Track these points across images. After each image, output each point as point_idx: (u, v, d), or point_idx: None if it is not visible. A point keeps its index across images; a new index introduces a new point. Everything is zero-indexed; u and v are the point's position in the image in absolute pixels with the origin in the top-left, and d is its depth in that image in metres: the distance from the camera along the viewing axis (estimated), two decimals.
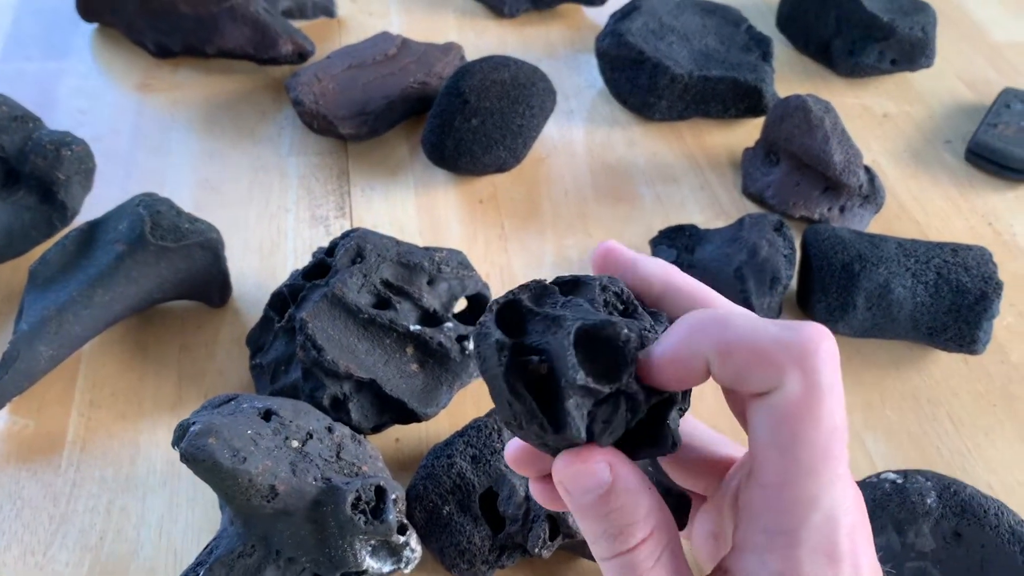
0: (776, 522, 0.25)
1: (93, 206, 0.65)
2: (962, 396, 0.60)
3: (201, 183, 0.73)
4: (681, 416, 0.29)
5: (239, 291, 0.65)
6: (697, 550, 0.33)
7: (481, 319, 0.28)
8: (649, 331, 0.28)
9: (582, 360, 0.26)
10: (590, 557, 0.50)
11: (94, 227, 0.60)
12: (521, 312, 0.29)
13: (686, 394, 0.28)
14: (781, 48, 0.88)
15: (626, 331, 0.27)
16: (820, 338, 0.25)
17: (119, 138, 0.77)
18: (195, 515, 0.53)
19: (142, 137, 0.77)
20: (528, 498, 0.48)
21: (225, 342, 0.62)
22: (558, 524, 0.47)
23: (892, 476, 0.45)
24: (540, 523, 0.47)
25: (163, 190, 0.72)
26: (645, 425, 0.28)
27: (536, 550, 0.47)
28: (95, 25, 0.88)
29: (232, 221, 0.70)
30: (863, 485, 0.46)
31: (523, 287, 0.29)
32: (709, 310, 0.27)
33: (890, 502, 0.44)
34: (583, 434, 0.26)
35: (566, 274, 0.30)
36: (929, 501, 0.43)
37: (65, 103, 0.80)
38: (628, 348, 0.27)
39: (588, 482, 0.27)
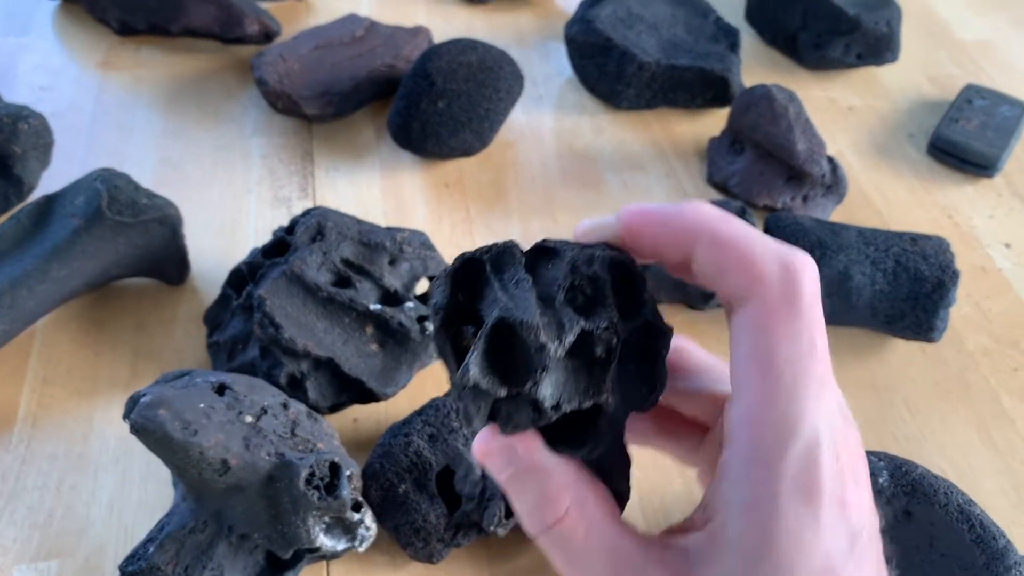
0: (754, 449, 0.24)
1: (52, 182, 0.64)
2: (918, 383, 0.61)
3: (163, 161, 0.72)
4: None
5: (198, 270, 0.64)
6: (703, 483, 0.31)
7: (442, 270, 0.28)
8: (608, 329, 0.27)
9: (494, 353, 0.26)
10: None
11: (51, 201, 0.59)
12: (479, 273, 0.28)
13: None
14: (749, 40, 0.89)
15: (542, 340, 0.25)
16: (807, 262, 0.25)
17: (80, 115, 0.76)
18: (148, 493, 0.52)
19: (103, 115, 0.76)
20: (484, 477, 0.48)
21: (183, 320, 0.61)
22: None
23: None
24: (496, 501, 0.47)
25: (124, 167, 0.70)
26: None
27: (491, 528, 0.46)
28: (57, 1, 0.86)
29: (194, 200, 0.69)
30: None
31: (490, 247, 0.28)
32: (712, 207, 0.26)
33: None
34: (477, 427, 0.26)
35: (553, 239, 0.29)
36: (881, 480, 0.44)
37: (25, 79, 0.78)
38: (543, 355, 0.26)
39: (495, 463, 0.27)
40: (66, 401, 0.56)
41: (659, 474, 0.54)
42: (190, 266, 0.63)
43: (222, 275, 0.61)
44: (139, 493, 0.52)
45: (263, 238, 0.67)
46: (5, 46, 0.81)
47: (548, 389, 0.26)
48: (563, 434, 0.27)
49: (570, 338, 0.26)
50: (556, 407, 0.26)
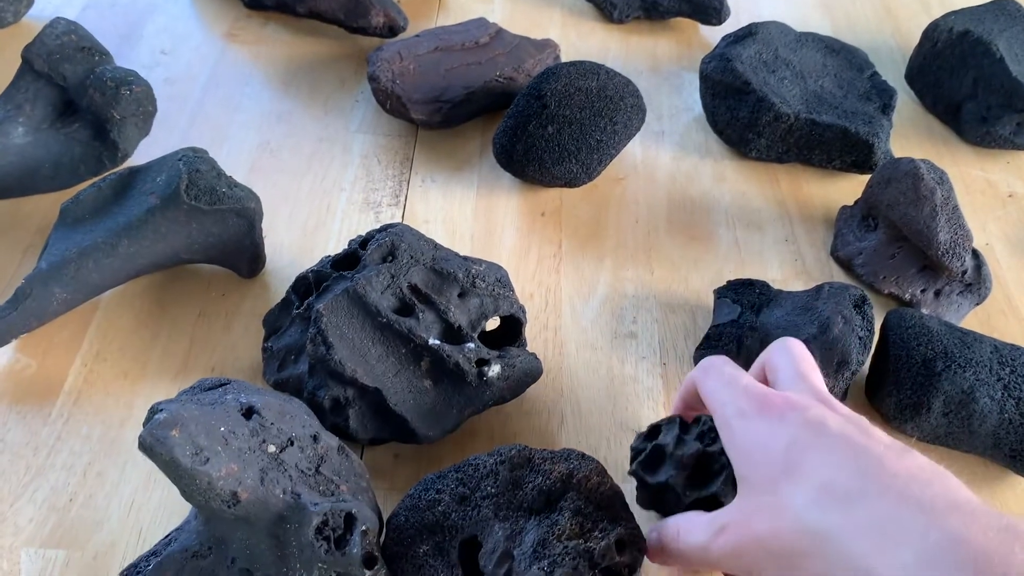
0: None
1: (150, 150, 0.63)
2: None
3: (262, 145, 0.70)
4: None
5: (273, 264, 0.62)
6: None
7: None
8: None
9: None
10: None
11: (134, 174, 0.57)
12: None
13: None
14: (905, 102, 0.80)
15: None
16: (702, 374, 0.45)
17: (193, 84, 0.75)
18: (171, 495, 0.50)
19: (215, 87, 0.75)
20: (511, 556, 0.43)
21: (245, 315, 0.59)
22: None
23: None
24: None
25: (223, 146, 0.69)
26: None
27: None
28: None
29: (283, 190, 0.67)
30: None
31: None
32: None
33: None
34: None
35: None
36: None
37: (149, 40, 0.78)
38: None
39: None
40: (112, 382, 0.54)
41: None
42: (264, 261, 0.61)
43: (295, 274, 0.59)
44: (161, 495, 0.50)
45: (344, 242, 0.64)
46: (137, 5, 0.81)
47: None
48: None
49: None
50: None
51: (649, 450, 0.48)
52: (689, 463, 0.46)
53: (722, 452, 0.45)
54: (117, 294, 0.59)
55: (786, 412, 0.39)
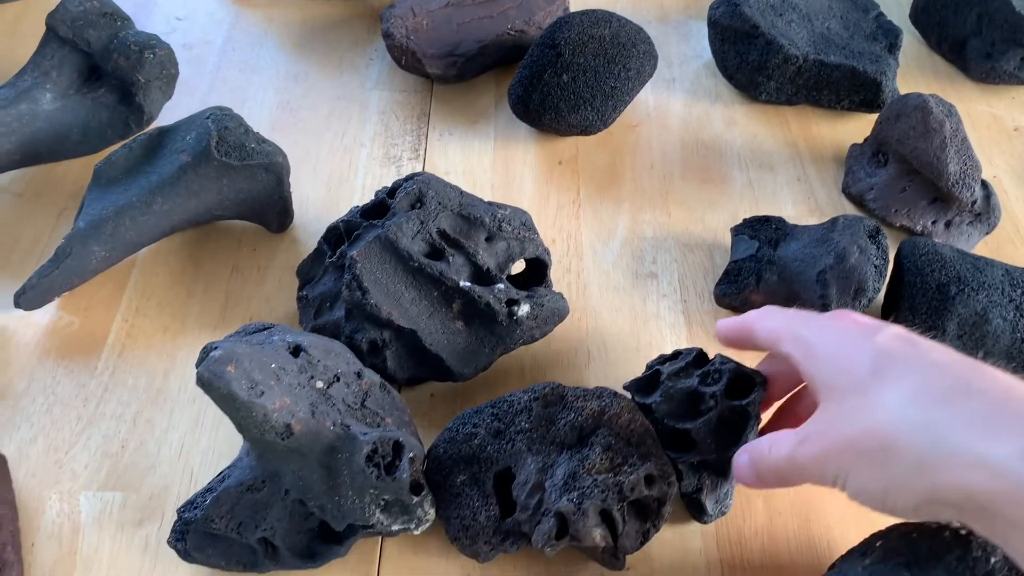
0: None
1: (173, 114, 0.64)
2: None
3: (281, 105, 0.72)
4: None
5: (300, 220, 0.63)
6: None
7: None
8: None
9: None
10: (600, 562, 0.47)
11: (163, 134, 0.59)
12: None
13: None
14: (911, 42, 0.81)
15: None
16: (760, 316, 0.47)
17: (210, 49, 0.76)
18: (217, 438, 0.52)
19: (232, 51, 0.76)
20: (544, 487, 0.45)
21: (277, 269, 0.60)
22: (567, 523, 0.44)
23: (956, 526, 0.41)
24: (549, 518, 0.44)
25: (244, 107, 0.71)
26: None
27: (539, 546, 0.44)
28: None
29: (305, 148, 0.68)
30: (921, 533, 0.41)
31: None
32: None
33: (949, 554, 0.40)
34: None
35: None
36: (994, 560, 0.39)
37: (163, 8, 0.79)
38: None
39: None
40: (153, 335, 0.56)
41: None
42: (293, 216, 0.62)
43: (322, 228, 0.60)
44: (209, 438, 0.52)
45: (368, 196, 0.65)
46: None
47: None
48: None
49: None
50: None
51: (649, 373, 0.51)
52: (677, 396, 0.48)
53: (713, 396, 0.47)
54: (151, 253, 0.60)
55: (868, 325, 0.41)
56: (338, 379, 0.46)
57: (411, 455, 0.44)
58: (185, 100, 0.69)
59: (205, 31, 0.77)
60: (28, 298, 0.54)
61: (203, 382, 0.40)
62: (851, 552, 0.44)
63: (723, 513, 0.50)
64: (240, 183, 0.58)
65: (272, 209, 0.60)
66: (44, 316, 0.56)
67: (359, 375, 0.47)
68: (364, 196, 0.65)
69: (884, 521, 0.41)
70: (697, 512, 0.49)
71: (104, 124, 0.63)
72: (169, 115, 0.64)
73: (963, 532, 0.40)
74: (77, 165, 0.64)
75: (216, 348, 0.41)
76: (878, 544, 0.42)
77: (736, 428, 0.47)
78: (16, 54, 0.69)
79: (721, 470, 0.48)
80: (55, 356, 0.55)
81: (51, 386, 0.53)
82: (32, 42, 0.63)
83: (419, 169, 0.68)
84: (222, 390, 0.40)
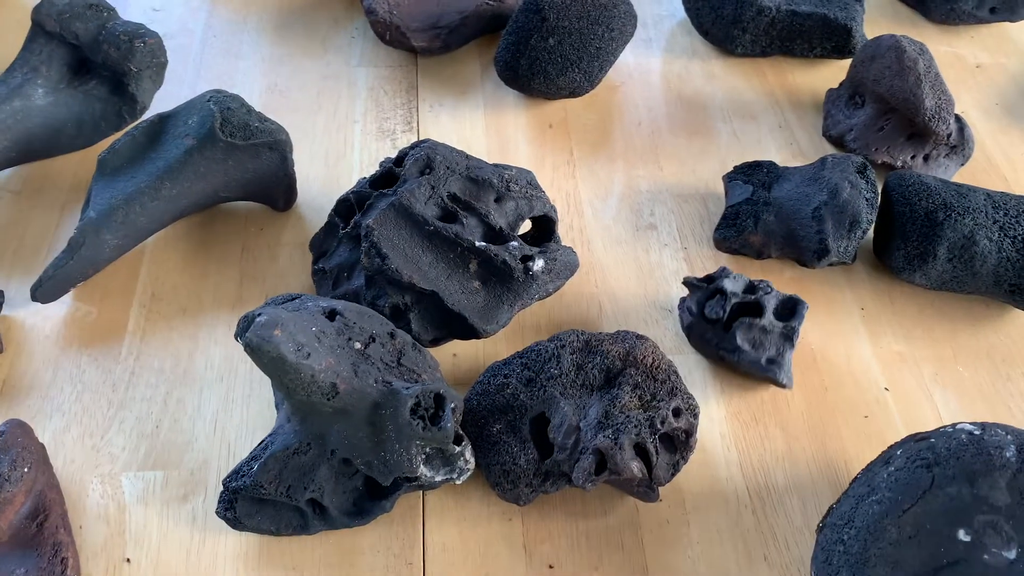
0: None
1: (161, 103, 0.65)
2: None
3: (270, 88, 0.72)
4: None
5: (303, 197, 0.64)
6: None
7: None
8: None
9: None
10: (635, 495, 0.49)
11: (164, 120, 0.59)
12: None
13: None
14: None
15: None
16: None
17: (190, 38, 0.76)
18: (250, 412, 0.53)
19: (213, 38, 0.76)
20: (579, 428, 0.47)
21: (287, 246, 0.61)
22: (606, 459, 0.46)
23: (969, 427, 0.44)
24: (587, 456, 0.46)
25: (232, 91, 0.71)
26: None
27: (580, 482, 0.46)
28: None
29: (299, 128, 0.69)
30: (937, 435, 0.44)
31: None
32: None
33: (965, 452, 0.42)
34: None
35: None
36: (1008, 454, 0.42)
37: (139, 0, 0.79)
38: None
39: None
40: (173, 318, 0.57)
41: (757, 431, 0.53)
42: (297, 193, 0.63)
43: (326, 203, 0.61)
44: (241, 412, 0.53)
45: (368, 169, 0.66)
46: None
47: None
48: None
49: None
50: None
51: (709, 289, 0.56)
52: (736, 307, 0.55)
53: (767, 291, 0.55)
54: (160, 240, 0.61)
55: None
56: (374, 340, 0.47)
57: (452, 405, 0.46)
58: (174, 89, 0.70)
59: (183, 20, 0.78)
60: (45, 290, 0.55)
61: (251, 347, 0.41)
62: (873, 463, 0.46)
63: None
64: (246, 162, 0.58)
65: (278, 187, 0.61)
66: (60, 308, 0.57)
67: (392, 335, 0.48)
68: (363, 170, 0.66)
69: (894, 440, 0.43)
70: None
71: (98, 116, 0.64)
72: (158, 105, 0.65)
73: (976, 432, 0.43)
74: (74, 160, 0.64)
75: (261, 314, 0.42)
76: (899, 452, 0.45)
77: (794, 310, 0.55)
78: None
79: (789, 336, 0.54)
80: (78, 345, 0.55)
81: (77, 375, 0.54)
82: (11, 39, 0.62)
83: (413, 140, 0.69)
84: (272, 353, 0.41)
